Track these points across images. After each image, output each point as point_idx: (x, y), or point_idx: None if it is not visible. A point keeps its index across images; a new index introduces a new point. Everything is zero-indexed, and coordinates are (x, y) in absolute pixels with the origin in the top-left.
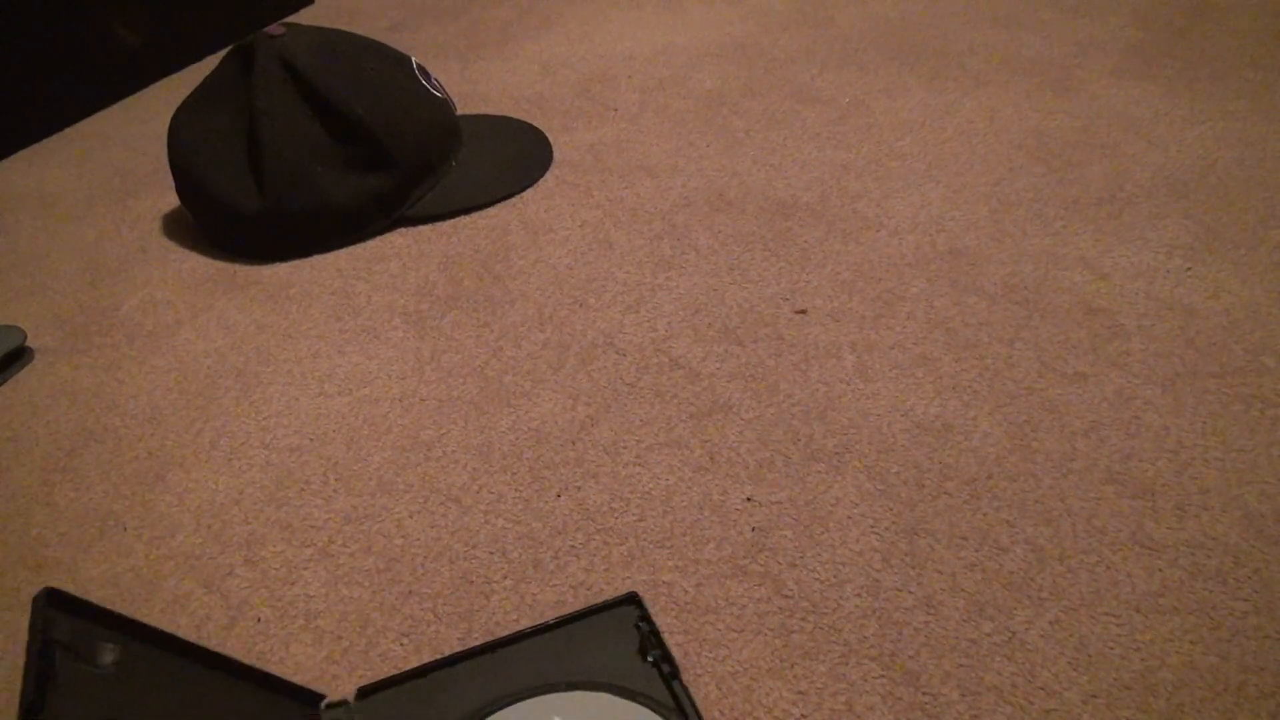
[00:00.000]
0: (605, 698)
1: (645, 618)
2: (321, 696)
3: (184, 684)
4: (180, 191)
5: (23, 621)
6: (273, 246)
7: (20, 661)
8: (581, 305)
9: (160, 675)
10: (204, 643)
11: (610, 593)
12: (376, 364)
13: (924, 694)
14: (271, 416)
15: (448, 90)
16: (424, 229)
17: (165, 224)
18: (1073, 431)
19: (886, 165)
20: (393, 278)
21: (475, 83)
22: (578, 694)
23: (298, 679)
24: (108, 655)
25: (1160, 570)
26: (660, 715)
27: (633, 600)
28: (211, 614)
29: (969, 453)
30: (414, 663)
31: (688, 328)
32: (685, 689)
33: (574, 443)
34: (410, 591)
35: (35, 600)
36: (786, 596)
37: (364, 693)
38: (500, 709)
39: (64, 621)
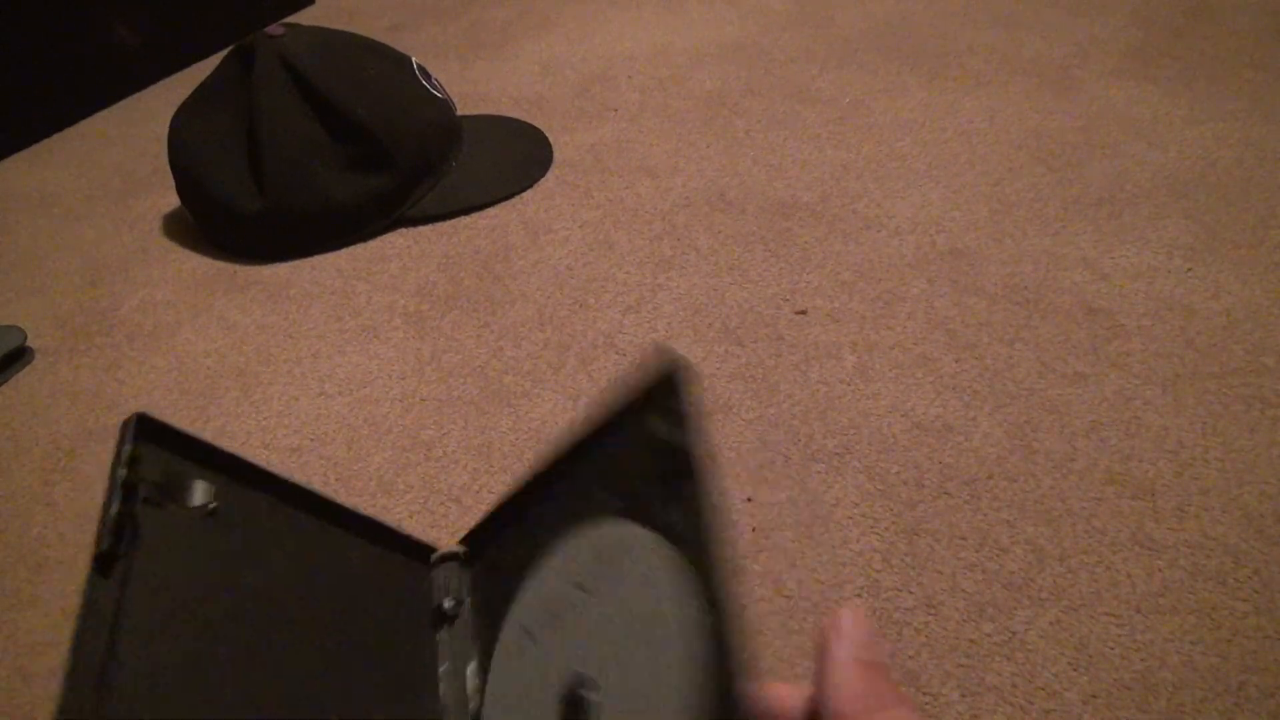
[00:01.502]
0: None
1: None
2: (432, 549)
3: (283, 531)
4: (180, 191)
5: (23, 621)
6: (273, 246)
7: (21, 664)
8: (582, 305)
9: (257, 520)
10: None
11: None
12: (377, 364)
13: (924, 694)
14: (272, 416)
15: (448, 90)
16: (424, 229)
17: (165, 224)
18: (1073, 431)
19: (886, 165)
20: (393, 278)
21: (475, 83)
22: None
23: None
24: (200, 495)
25: (1160, 570)
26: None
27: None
28: None
29: (969, 453)
30: None
31: (688, 328)
32: (698, 491)
33: None
34: None
35: (123, 427)
36: (786, 596)
37: (471, 540)
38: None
39: (153, 455)
